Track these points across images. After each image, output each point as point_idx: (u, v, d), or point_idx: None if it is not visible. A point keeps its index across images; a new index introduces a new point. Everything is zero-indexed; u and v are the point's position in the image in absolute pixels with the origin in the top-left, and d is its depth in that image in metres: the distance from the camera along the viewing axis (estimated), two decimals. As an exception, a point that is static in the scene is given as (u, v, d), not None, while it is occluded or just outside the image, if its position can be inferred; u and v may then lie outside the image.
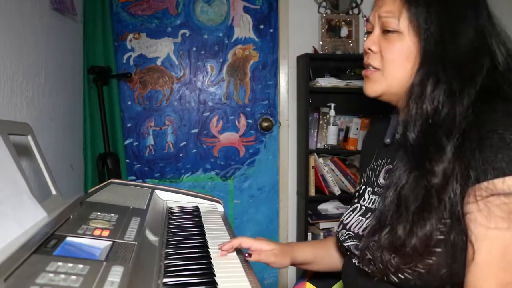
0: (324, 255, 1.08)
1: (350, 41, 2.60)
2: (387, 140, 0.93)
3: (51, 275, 0.55)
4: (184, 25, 2.57)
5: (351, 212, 0.97)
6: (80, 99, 2.29)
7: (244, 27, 2.61)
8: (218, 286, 0.74)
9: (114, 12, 2.49)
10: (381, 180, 0.93)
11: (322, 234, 2.45)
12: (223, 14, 2.60)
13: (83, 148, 2.29)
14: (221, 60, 2.62)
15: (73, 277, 0.56)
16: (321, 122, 2.54)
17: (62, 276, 0.55)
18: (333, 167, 2.49)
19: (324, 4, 2.60)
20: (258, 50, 2.63)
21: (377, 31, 0.85)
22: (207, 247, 0.92)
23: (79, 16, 2.24)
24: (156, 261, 0.78)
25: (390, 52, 0.82)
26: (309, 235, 2.47)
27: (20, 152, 0.87)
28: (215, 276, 0.78)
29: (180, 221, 1.09)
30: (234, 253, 0.94)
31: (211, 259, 0.86)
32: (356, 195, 1.01)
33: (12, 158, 0.74)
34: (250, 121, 2.66)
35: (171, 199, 1.29)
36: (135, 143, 2.58)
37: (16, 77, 1.42)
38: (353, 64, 2.55)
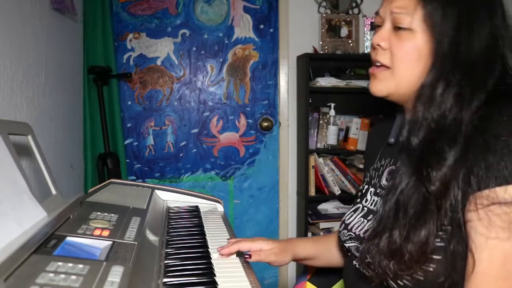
0: (325, 251, 1.07)
1: (350, 41, 2.60)
2: (391, 140, 0.91)
3: (51, 275, 0.55)
4: (184, 25, 2.57)
5: (353, 213, 0.96)
6: (80, 99, 2.29)
7: (244, 27, 2.61)
8: (218, 286, 0.74)
9: (114, 12, 2.49)
10: (383, 182, 0.91)
11: (322, 234, 2.45)
12: (223, 14, 2.60)
13: (83, 148, 2.29)
14: (221, 60, 2.62)
15: (73, 277, 0.56)
16: (321, 122, 2.54)
17: (62, 276, 0.55)
18: (333, 167, 2.49)
19: (324, 4, 2.60)
20: (258, 50, 2.63)
21: (387, 26, 0.81)
22: (207, 247, 0.92)
23: (79, 16, 2.24)
24: (156, 261, 0.78)
25: (401, 50, 0.79)
26: (309, 235, 2.47)
27: (20, 152, 0.87)
28: (215, 276, 0.78)
29: (180, 221, 1.09)
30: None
31: (211, 259, 0.86)
32: (359, 194, 0.99)
33: (12, 158, 0.74)
34: (250, 121, 2.66)
35: (171, 199, 1.29)
36: (135, 143, 2.58)
37: (16, 77, 1.42)
38: (353, 64, 2.56)
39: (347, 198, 2.51)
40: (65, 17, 2.00)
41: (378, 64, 0.83)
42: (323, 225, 2.47)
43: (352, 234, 0.92)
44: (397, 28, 0.79)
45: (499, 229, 0.67)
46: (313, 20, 2.60)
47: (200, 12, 2.58)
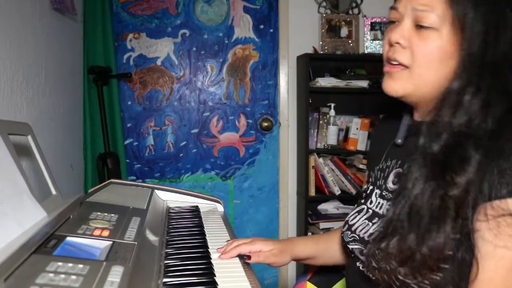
0: (325, 251, 1.06)
1: (350, 41, 2.60)
2: (399, 141, 0.88)
3: (51, 275, 0.55)
4: (184, 25, 2.57)
5: (357, 214, 0.94)
6: (80, 99, 2.29)
7: (244, 27, 2.61)
8: (218, 286, 0.74)
9: (114, 12, 2.49)
10: (389, 184, 0.89)
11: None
12: (223, 14, 2.60)
13: (83, 148, 2.29)
14: (221, 60, 2.62)
15: (73, 277, 0.56)
16: (321, 122, 2.54)
17: (62, 276, 0.55)
18: (333, 167, 2.49)
19: (324, 4, 2.60)
20: (258, 50, 2.63)
21: (407, 23, 0.76)
22: (207, 247, 0.92)
23: (79, 16, 2.24)
24: (156, 261, 0.78)
25: (423, 50, 0.74)
26: (309, 235, 2.47)
27: (20, 152, 0.87)
28: (215, 276, 0.78)
29: (180, 221, 1.09)
30: (234, 253, 0.94)
31: (211, 259, 0.86)
32: (364, 195, 0.97)
33: (12, 158, 0.74)
34: (250, 121, 2.66)
35: (171, 199, 1.29)
36: (135, 143, 2.58)
37: (16, 77, 1.42)
38: (353, 64, 2.56)
39: (347, 198, 2.51)
40: (65, 17, 2.00)
41: (395, 62, 0.79)
42: (323, 225, 2.47)
43: (356, 236, 0.90)
44: (419, 26, 0.75)
45: (507, 238, 0.66)
46: (313, 20, 2.60)
47: (200, 12, 2.58)
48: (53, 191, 0.87)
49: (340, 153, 2.54)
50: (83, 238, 0.71)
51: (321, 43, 2.58)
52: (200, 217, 1.13)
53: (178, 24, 2.57)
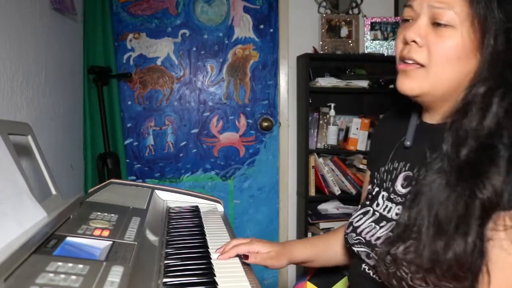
0: (323, 253, 1.05)
1: (350, 41, 2.60)
2: (408, 143, 0.85)
3: (51, 275, 0.55)
4: (184, 25, 2.57)
5: (362, 215, 0.91)
6: (80, 99, 2.29)
7: (244, 27, 2.61)
8: (218, 286, 0.74)
9: (114, 12, 2.49)
10: (398, 188, 0.86)
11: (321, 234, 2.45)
12: (223, 14, 2.60)
13: (83, 148, 2.29)
14: (221, 60, 2.62)
15: (73, 277, 0.56)
16: (321, 122, 2.54)
17: (62, 276, 0.55)
18: (333, 167, 2.48)
19: (324, 4, 2.60)
20: (258, 50, 2.63)
21: (423, 21, 0.74)
22: (207, 247, 0.92)
23: (79, 16, 2.24)
24: (156, 261, 0.78)
25: (441, 48, 0.72)
26: (309, 235, 2.47)
27: (20, 152, 0.87)
28: (215, 276, 0.78)
29: (180, 221, 1.09)
30: (234, 253, 0.94)
31: (211, 259, 0.86)
32: (369, 197, 0.94)
33: (12, 158, 0.74)
34: (250, 121, 2.66)
35: (171, 199, 1.29)
36: (135, 143, 2.58)
37: (16, 77, 1.42)
38: (353, 64, 2.56)
39: (347, 198, 2.51)
40: (65, 17, 2.00)
41: (410, 61, 0.77)
42: (323, 225, 2.47)
43: (362, 239, 0.88)
44: (435, 24, 0.73)
45: None
46: (313, 20, 2.60)
47: (200, 12, 2.58)
48: (53, 191, 0.87)
49: (340, 153, 2.54)
50: (83, 238, 0.71)
51: (321, 43, 2.58)
52: (200, 217, 1.13)
53: (178, 24, 2.57)
